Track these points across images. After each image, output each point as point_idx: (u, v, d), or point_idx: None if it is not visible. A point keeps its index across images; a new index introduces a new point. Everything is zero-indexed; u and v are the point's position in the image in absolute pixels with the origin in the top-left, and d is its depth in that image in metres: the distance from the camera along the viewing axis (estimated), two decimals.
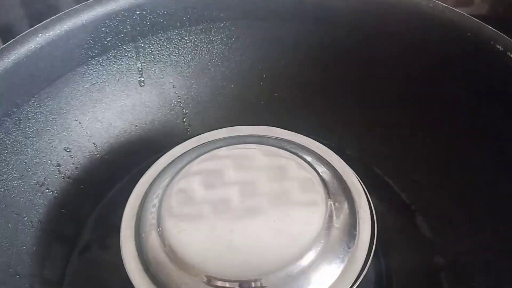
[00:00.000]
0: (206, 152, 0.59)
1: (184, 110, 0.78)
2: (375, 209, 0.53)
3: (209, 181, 0.55)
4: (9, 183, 0.62)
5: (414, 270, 0.62)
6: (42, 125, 0.66)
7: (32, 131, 0.65)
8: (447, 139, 0.67)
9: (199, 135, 0.63)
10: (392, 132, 0.72)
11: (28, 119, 0.64)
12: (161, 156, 0.63)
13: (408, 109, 0.71)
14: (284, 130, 0.62)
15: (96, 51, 0.69)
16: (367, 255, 0.50)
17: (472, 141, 0.64)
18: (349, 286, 0.48)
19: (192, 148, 0.62)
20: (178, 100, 0.78)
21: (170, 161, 0.61)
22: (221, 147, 0.60)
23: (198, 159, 0.58)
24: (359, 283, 0.49)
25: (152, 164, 0.66)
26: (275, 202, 0.52)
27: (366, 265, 0.49)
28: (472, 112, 0.63)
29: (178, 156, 0.61)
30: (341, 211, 0.52)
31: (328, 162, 0.59)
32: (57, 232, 0.66)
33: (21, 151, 0.64)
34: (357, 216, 0.53)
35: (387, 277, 0.61)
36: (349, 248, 0.50)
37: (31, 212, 0.63)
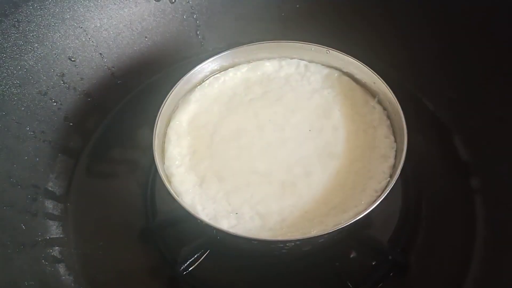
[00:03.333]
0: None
1: (197, 21, 0.72)
2: (411, 130, 0.48)
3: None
4: (9, 89, 0.58)
5: (447, 191, 0.57)
6: (44, 30, 0.61)
7: (33, 36, 0.60)
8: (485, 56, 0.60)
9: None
10: (424, 47, 0.65)
11: (28, 22, 0.59)
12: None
13: (438, 25, 0.64)
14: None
15: None
16: None
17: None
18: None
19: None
20: (192, 11, 0.71)
21: None
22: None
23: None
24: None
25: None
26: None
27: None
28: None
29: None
30: None
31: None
32: (62, 145, 0.62)
33: (21, 56, 0.59)
34: None
35: (417, 198, 0.57)
36: None
37: (33, 122, 0.60)
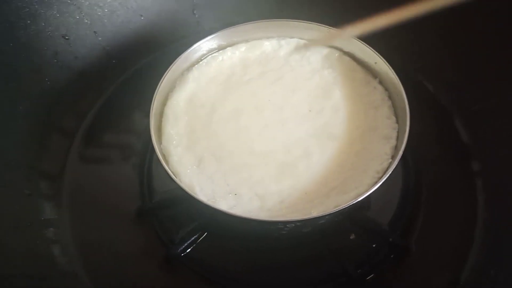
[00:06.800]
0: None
1: (194, 0, 0.70)
2: (412, 112, 0.47)
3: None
4: (0, 67, 0.56)
5: (447, 174, 0.56)
6: (36, 6, 0.59)
7: (25, 13, 0.58)
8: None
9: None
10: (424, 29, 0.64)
11: None
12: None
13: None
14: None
15: None
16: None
17: None
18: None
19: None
20: None
21: None
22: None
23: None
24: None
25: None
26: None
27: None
28: None
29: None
30: None
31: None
32: (56, 125, 0.61)
33: (13, 33, 0.57)
34: None
35: (417, 181, 0.56)
36: None
37: (26, 101, 0.58)
